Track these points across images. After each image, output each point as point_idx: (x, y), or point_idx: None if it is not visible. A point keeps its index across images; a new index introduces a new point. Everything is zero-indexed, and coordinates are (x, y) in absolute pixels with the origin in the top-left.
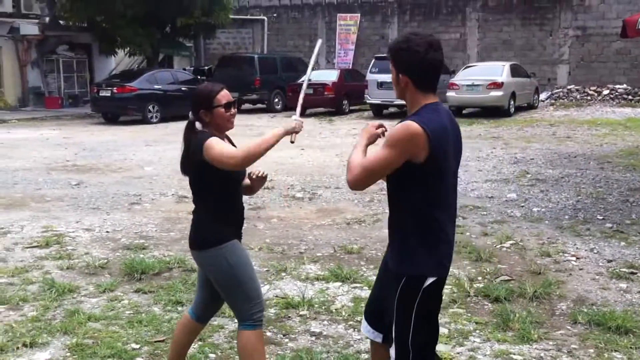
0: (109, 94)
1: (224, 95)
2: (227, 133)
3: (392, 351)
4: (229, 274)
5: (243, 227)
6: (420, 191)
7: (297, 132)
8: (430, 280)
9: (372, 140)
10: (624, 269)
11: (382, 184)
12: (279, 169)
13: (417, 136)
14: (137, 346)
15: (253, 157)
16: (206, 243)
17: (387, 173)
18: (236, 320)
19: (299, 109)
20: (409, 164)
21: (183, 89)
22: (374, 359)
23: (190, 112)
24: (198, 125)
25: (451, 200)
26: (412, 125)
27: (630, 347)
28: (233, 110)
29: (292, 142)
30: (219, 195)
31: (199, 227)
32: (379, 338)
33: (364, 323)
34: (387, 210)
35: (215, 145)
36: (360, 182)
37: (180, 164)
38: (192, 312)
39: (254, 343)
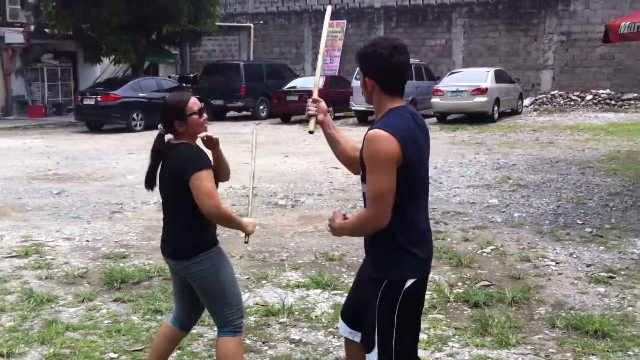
0: (92, 102)
1: (195, 102)
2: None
3: (374, 355)
4: (214, 278)
5: (224, 235)
6: (397, 194)
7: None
8: (410, 281)
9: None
10: (602, 273)
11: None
12: (262, 176)
13: (389, 142)
14: (115, 355)
15: (223, 222)
16: (193, 251)
17: (394, 189)
18: (215, 329)
19: (251, 209)
20: None
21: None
22: (350, 358)
23: (160, 125)
24: (168, 136)
25: (423, 200)
26: (380, 134)
27: (607, 351)
28: (205, 116)
29: (246, 242)
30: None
31: (182, 237)
32: (357, 337)
33: (342, 324)
34: None
35: (208, 182)
36: (381, 213)
37: (145, 179)
38: (174, 321)
39: (234, 350)
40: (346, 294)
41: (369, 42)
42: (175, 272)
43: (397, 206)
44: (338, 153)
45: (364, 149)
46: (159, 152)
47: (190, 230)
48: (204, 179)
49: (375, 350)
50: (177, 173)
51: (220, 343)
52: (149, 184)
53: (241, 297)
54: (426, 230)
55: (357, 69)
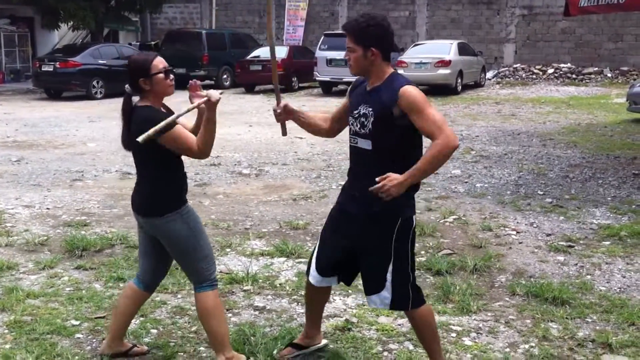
0: (51, 69)
1: (160, 61)
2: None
3: (386, 293)
4: (188, 236)
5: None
6: (412, 140)
7: None
8: (414, 218)
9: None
10: (561, 243)
11: (330, 160)
12: (226, 145)
13: (419, 90)
14: (77, 322)
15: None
16: (166, 208)
17: None
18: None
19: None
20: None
21: None
22: (316, 298)
23: (127, 85)
24: (136, 97)
25: None
26: (412, 86)
27: (566, 318)
28: (172, 77)
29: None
30: (168, 163)
31: (154, 195)
32: (334, 281)
33: (316, 276)
34: (336, 185)
35: (183, 136)
36: (452, 134)
37: (121, 140)
38: (138, 282)
39: (214, 302)
40: None
41: (362, 17)
42: (144, 230)
43: (410, 149)
44: (313, 131)
45: (404, 101)
46: (125, 112)
47: (162, 188)
48: (179, 136)
49: (388, 287)
50: (138, 134)
51: (201, 298)
52: (124, 144)
53: (211, 248)
54: None
55: (322, 38)
